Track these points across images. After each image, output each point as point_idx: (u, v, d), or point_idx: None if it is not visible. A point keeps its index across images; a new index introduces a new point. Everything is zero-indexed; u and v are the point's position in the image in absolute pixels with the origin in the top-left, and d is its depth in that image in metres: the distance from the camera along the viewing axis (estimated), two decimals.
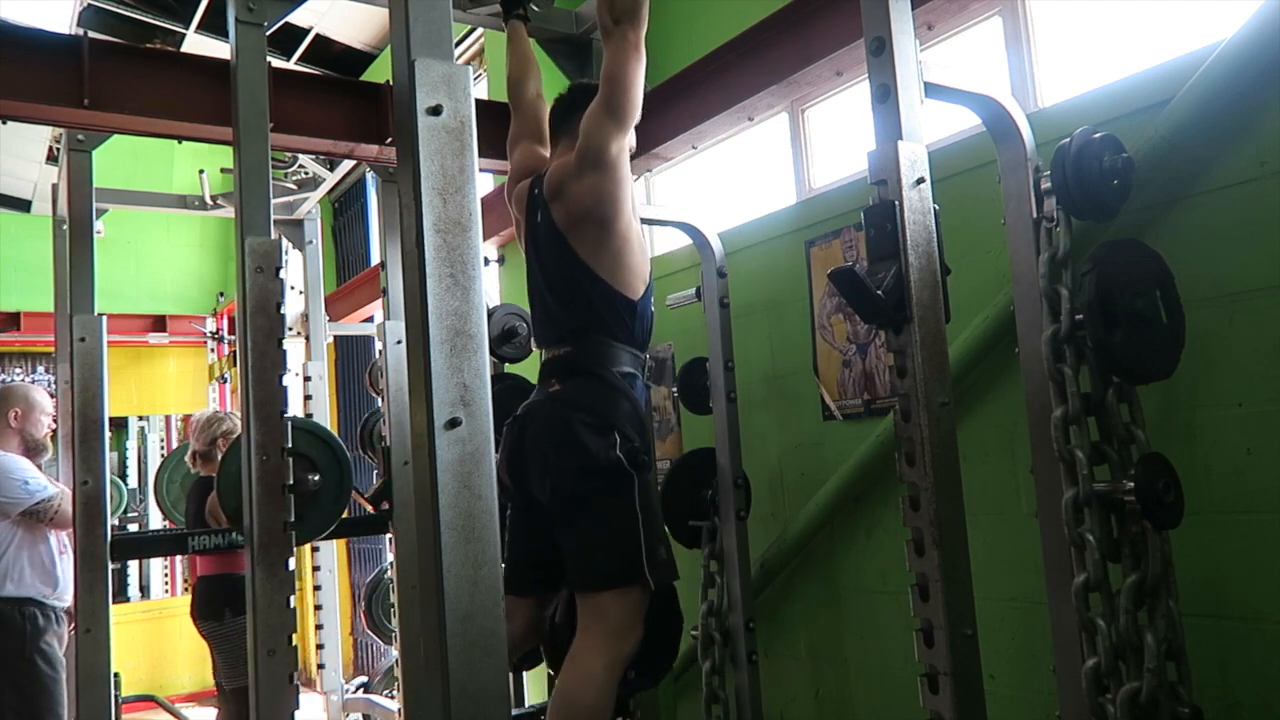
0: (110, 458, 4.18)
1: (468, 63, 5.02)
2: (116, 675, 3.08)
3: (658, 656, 2.16)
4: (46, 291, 4.02)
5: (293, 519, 2.19)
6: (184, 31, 5.56)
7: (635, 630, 1.99)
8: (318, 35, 5.67)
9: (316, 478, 2.56)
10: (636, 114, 2.11)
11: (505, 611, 2.16)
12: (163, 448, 7.77)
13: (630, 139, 2.17)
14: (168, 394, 7.68)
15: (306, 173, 4.78)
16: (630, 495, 1.99)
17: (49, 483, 3.46)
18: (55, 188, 3.78)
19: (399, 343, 3.23)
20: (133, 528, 7.29)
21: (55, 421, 3.67)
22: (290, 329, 4.30)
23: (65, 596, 3.41)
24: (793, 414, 3.05)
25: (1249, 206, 1.94)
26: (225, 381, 7.50)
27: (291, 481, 2.19)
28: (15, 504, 3.33)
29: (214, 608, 3.74)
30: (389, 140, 3.00)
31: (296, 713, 2.17)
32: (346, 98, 3.04)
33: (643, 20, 2.10)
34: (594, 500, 2.00)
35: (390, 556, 3.80)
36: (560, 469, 2.02)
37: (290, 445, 2.20)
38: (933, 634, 1.63)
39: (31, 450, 3.54)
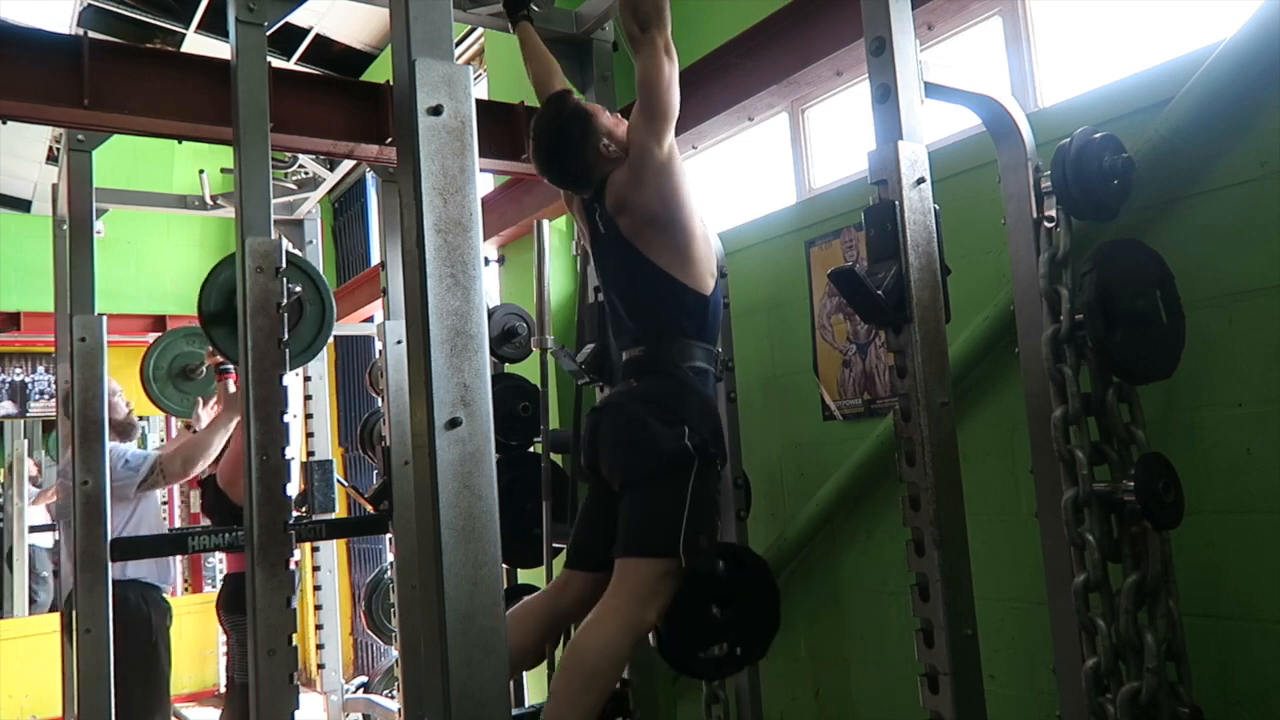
0: None
1: (468, 63, 5.02)
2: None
3: (760, 629, 2.25)
4: (46, 291, 4.02)
5: (292, 518, 2.20)
6: (184, 31, 5.56)
7: (658, 600, 2.04)
8: (318, 35, 5.67)
9: (299, 288, 2.50)
10: (677, 110, 2.17)
11: (561, 582, 2.26)
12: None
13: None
14: None
15: (306, 173, 4.78)
16: (685, 480, 2.06)
17: (145, 451, 3.67)
18: (55, 188, 3.78)
19: (399, 343, 3.23)
20: None
21: (129, 403, 3.81)
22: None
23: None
24: (793, 414, 3.04)
25: (1249, 206, 1.94)
26: None
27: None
28: (128, 484, 3.49)
29: (242, 602, 3.80)
30: (389, 140, 2.99)
31: (296, 713, 2.17)
32: (346, 98, 3.03)
33: (668, 22, 2.16)
34: (652, 482, 2.09)
35: (390, 556, 3.80)
36: (629, 457, 2.12)
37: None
38: (933, 634, 1.63)
39: (120, 433, 3.66)
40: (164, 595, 3.65)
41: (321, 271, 4.77)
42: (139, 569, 3.48)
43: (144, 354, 4.39)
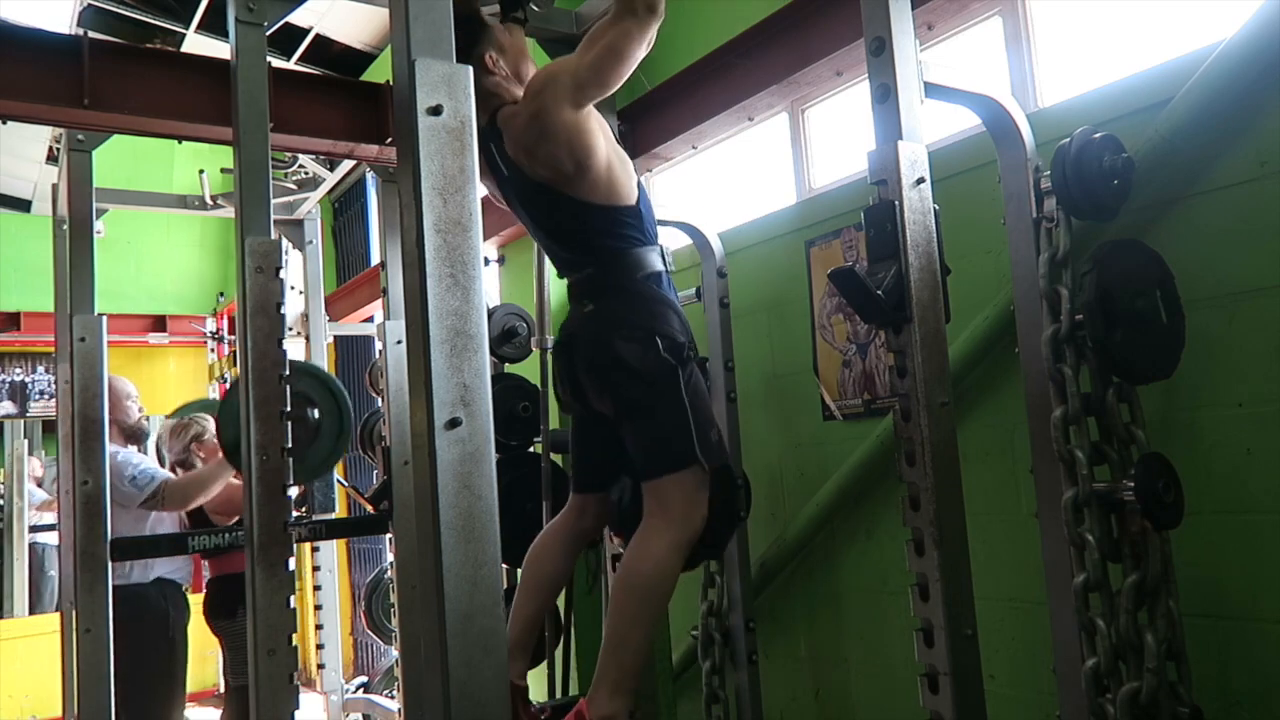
0: None
1: None
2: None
3: (716, 526, 2.21)
4: (46, 291, 4.02)
5: (292, 517, 2.20)
6: (184, 31, 5.56)
7: (697, 512, 2.05)
8: (318, 35, 5.67)
9: (316, 413, 2.48)
10: (615, 88, 2.11)
11: (576, 506, 2.27)
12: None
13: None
14: (168, 394, 7.66)
15: (306, 173, 4.78)
16: (676, 388, 2.06)
17: (154, 471, 3.60)
18: (55, 188, 3.78)
19: (399, 343, 3.23)
20: None
21: (142, 408, 3.80)
22: (290, 329, 4.28)
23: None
24: (793, 414, 3.05)
25: (1249, 206, 1.94)
26: (225, 381, 7.50)
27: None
28: (129, 500, 3.48)
29: (228, 605, 3.79)
30: (389, 140, 2.99)
31: (296, 713, 2.17)
32: (346, 98, 3.03)
33: (661, 16, 2.08)
34: (647, 403, 2.09)
35: (390, 556, 3.80)
36: (615, 385, 2.11)
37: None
38: (933, 634, 1.63)
39: (130, 438, 3.67)
40: (185, 592, 3.69)
41: (321, 273, 4.82)
42: (164, 567, 3.57)
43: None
